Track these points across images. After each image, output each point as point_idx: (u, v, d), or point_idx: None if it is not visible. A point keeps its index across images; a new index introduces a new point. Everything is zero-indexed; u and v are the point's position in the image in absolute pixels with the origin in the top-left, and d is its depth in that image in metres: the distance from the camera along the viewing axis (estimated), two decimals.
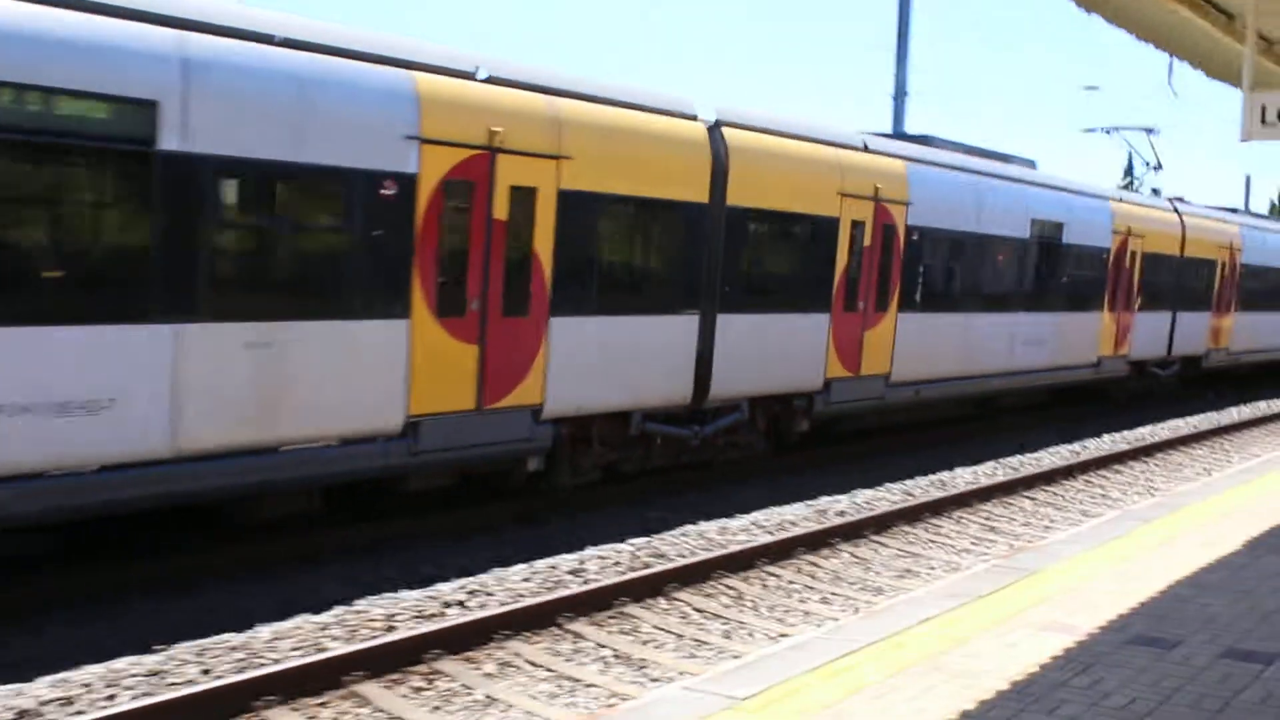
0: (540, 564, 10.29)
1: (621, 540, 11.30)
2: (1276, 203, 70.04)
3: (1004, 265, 18.51)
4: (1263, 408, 25.59)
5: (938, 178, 16.80)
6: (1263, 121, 9.28)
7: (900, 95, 25.70)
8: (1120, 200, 22.72)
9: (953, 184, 17.17)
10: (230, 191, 8.86)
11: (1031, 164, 20.51)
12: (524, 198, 10.91)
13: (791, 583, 10.44)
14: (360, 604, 8.98)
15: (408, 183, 9.83)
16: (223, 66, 8.72)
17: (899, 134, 17.52)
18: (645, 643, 8.70)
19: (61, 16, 7.95)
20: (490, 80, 10.71)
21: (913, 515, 12.99)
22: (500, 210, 10.68)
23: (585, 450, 12.52)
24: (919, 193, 16.29)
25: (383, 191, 9.71)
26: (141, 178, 8.31)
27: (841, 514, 12.98)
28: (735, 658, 8.13)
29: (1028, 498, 14.80)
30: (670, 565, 10.21)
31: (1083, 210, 20.81)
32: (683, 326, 12.92)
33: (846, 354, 15.36)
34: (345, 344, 9.60)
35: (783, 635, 8.91)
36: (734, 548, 10.92)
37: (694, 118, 13.04)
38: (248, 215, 9.04)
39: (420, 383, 10.21)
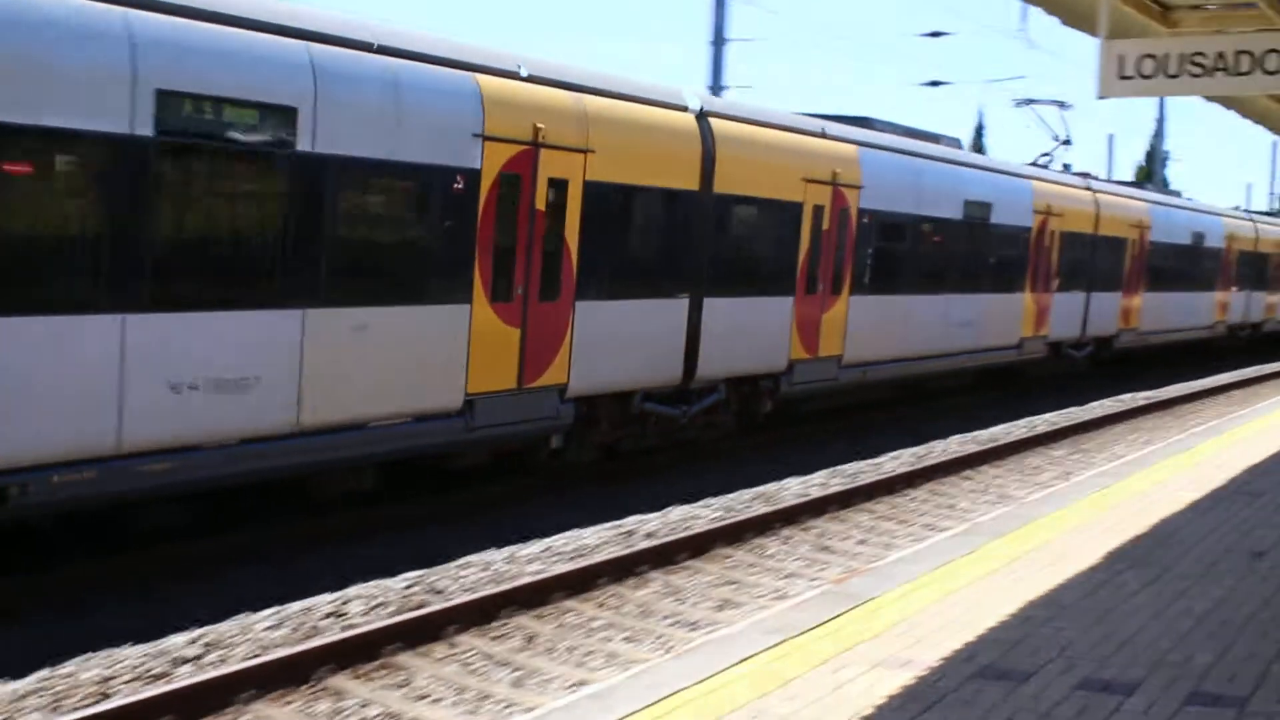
0: (293, 608, 10.00)
1: (392, 575, 11.10)
2: (1144, 165, 73.91)
3: (941, 247, 21.67)
4: (1126, 400, 26.86)
5: (886, 161, 19.75)
6: (1121, 74, 9.60)
7: (719, 42, 26.16)
8: (1040, 179, 25.81)
9: (898, 167, 20.16)
10: (344, 188, 11.26)
11: (957, 143, 23.57)
12: (558, 189, 13.54)
13: (594, 619, 10.40)
14: (68, 666, 8.56)
15: (474, 177, 12.41)
16: (341, 74, 11.11)
17: (843, 117, 20.17)
18: (419, 698, 8.54)
19: (226, 32, 10.23)
20: (530, 79, 13.35)
21: (734, 535, 13.14)
22: (540, 201, 13.29)
23: (595, 429, 15.20)
24: (870, 176, 19.20)
25: (455, 185, 12.23)
26: (282, 176, 10.68)
27: (651, 535, 13.04)
28: (526, 711, 8.03)
29: (866, 510, 15.15)
30: (449, 604, 10.05)
31: (1008, 190, 23.90)
32: (677, 309, 15.74)
33: (807, 336, 18.27)
34: (424, 327, 12.15)
35: (582, 683, 8.86)
36: (525, 580, 10.83)
37: (685, 108, 15.79)
38: (355, 209, 11.47)
39: (477, 364, 12.80)
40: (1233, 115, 19.49)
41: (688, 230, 15.76)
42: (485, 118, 12.54)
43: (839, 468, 17.45)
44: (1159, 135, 54.29)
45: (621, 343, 14.84)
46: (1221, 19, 11.78)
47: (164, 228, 9.95)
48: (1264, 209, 69.47)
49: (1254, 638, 7.65)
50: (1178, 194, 37.19)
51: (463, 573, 11.34)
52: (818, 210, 18.16)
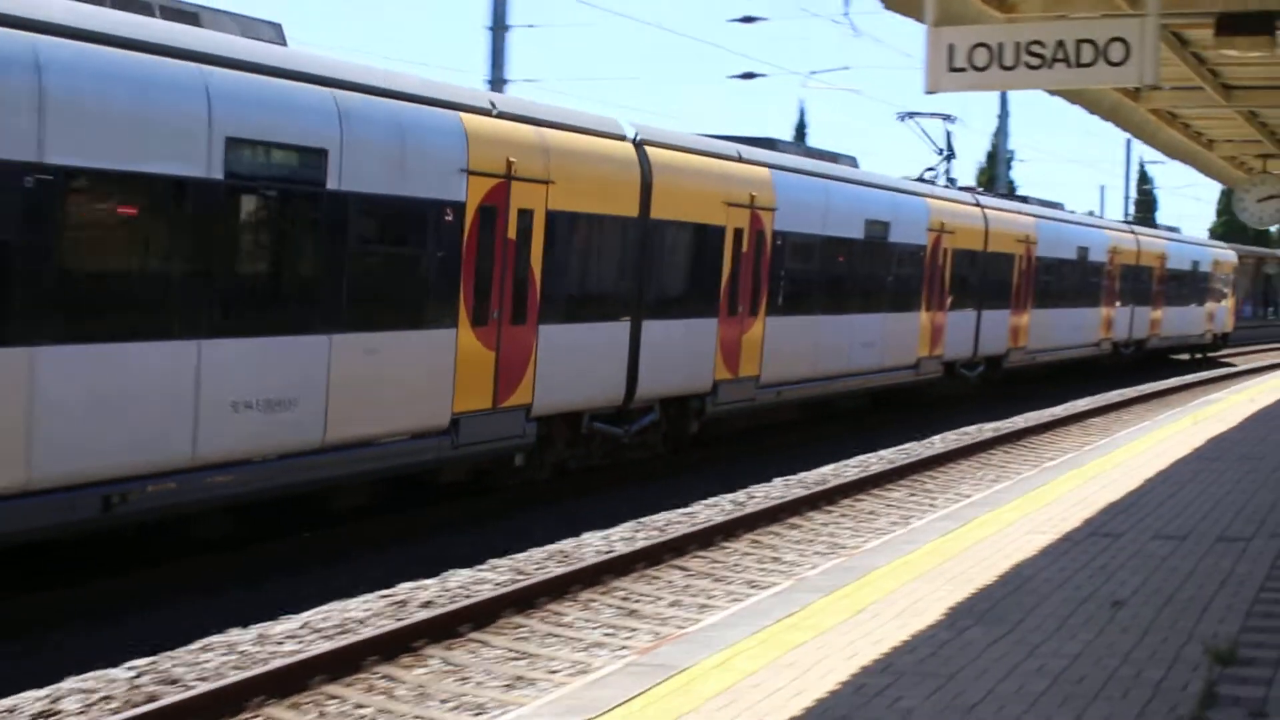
0: None
1: (115, 665, 10.79)
2: (985, 166, 76.23)
3: (845, 267, 25.11)
4: (971, 432, 27.63)
5: (796, 183, 23.02)
6: (951, 66, 9.88)
7: (500, 28, 26.35)
8: (933, 196, 29.65)
9: (807, 188, 23.47)
10: (361, 221, 14.11)
11: (854, 160, 27.13)
12: (525, 218, 16.48)
13: (361, 707, 10.27)
14: None
15: (460, 209, 15.29)
16: (360, 118, 13.97)
17: (749, 138, 23.29)
18: None
19: (274, 83, 13.04)
20: (501, 115, 16.30)
21: (525, 601, 13.12)
22: (511, 230, 16.17)
23: (550, 448, 18.20)
24: (783, 199, 22.36)
25: (446, 217, 15.10)
26: (315, 212, 13.58)
27: (429, 605, 12.94)
28: None
29: (678, 568, 15.27)
30: (185, 695, 9.82)
31: (905, 209, 27.55)
32: (621, 332, 18.86)
33: (730, 357, 21.35)
34: (420, 350, 14.92)
35: None
36: (277, 663, 10.64)
37: (623, 138, 18.99)
38: (369, 241, 14.31)
39: (461, 384, 15.59)
40: (1080, 110, 20.27)
41: (628, 255, 18.99)
42: (469, 153, 15.53)
43: (646, 519, 17.58)
44: (1001, 133, 56.18)
45: (576, 364, 17.85)
46: (1062, 3, 12.26)
47: (228, 260, 12.76)
48: (1123, 215, 72.35)
49: (1115, 699, 7.92)
50: (1060, 205, 40.57)
51: (203, 656, 11.09)
52: (738, 233, 21.33)
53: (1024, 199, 39.05)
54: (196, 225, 12.38)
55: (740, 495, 19.66)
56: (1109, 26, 9.69)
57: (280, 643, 11.58)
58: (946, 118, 35.60)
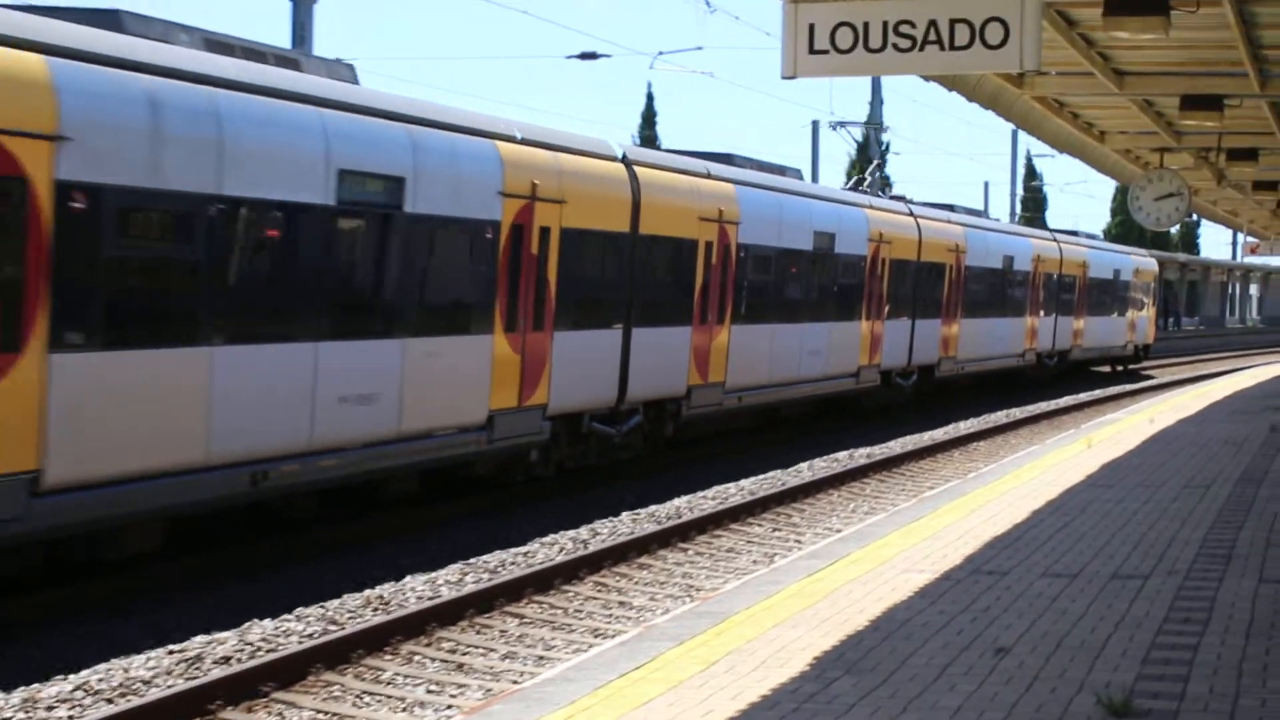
0: None
1: None
2: (855, 158, 77.15)
3: (797, 277, 29.82)
4: (842, 458, 27.93)
5: (756, 197, 27.78)
6: (812, 48, 9.93)
7: None
8: (872, 206, 34.42)
9: (765, 202, 28.14)
10: (428, 239, 18.32)
11: (799, 173, 32.54)
12: (544, 235, 20.69)
13: None
14: None
15: (496, 227, 19.45)
16: (427, 148, 18.08)
17: (708, 154, 28.00)
18: None
19: (368, 120, 17.08)
20: (524, 141, 20.51)
21: (339, 655, 13.00)
22: (534, 246, 20.39)
23: (556, 447, 22.28)
24: (746, 212, 26.98)
25: (487, 235, 19.26)
26: (396, 232, 17.48)
27: (226, 661, 12.77)
28: None
29: (513, 614, 15.24)
30: None
31: (848, 219, 32.26)
32: (615, 338, 23.18)
33: (701, 363, 25.67)
34: (467, 353, 19.04)
35: None
36: None
37: (615, 158, 23.38)
38: (431, 256, 18.46)
39: (496, 384, 19.68)
40: (960, 97, 20.62)
41: (621, 268, 23.35)
42: (504, 178, 19.77)
43: (475, 560, 17.53)
44: (874, 122, 56.94)
45: (581, 368, 22.07)
46: None
47: (337, 273, 16.93)
48: (1009, 215, 73.70)
49: None
50: (983, 213, 46.58)
51: None
52: (709, 246, 25.71)
53: (950, 207, 42.88)
54: (316, 244, 16.65)
55: (583, 531, 19.68)
56: (986, 5, 9.78)
57: (51, 708, 11.36)
58: (880, 127, 42.88)
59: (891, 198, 38.12)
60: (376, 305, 17.77)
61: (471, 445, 19.58)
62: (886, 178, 70.10)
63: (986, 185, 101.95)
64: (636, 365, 23.63)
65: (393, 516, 19.60)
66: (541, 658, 13.60)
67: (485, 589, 15.48)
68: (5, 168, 12.81)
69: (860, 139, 74.65)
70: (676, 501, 22.49)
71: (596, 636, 14.46)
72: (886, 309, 34.55)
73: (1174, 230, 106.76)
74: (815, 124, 63.05)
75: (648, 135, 67.57)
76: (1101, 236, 63.60)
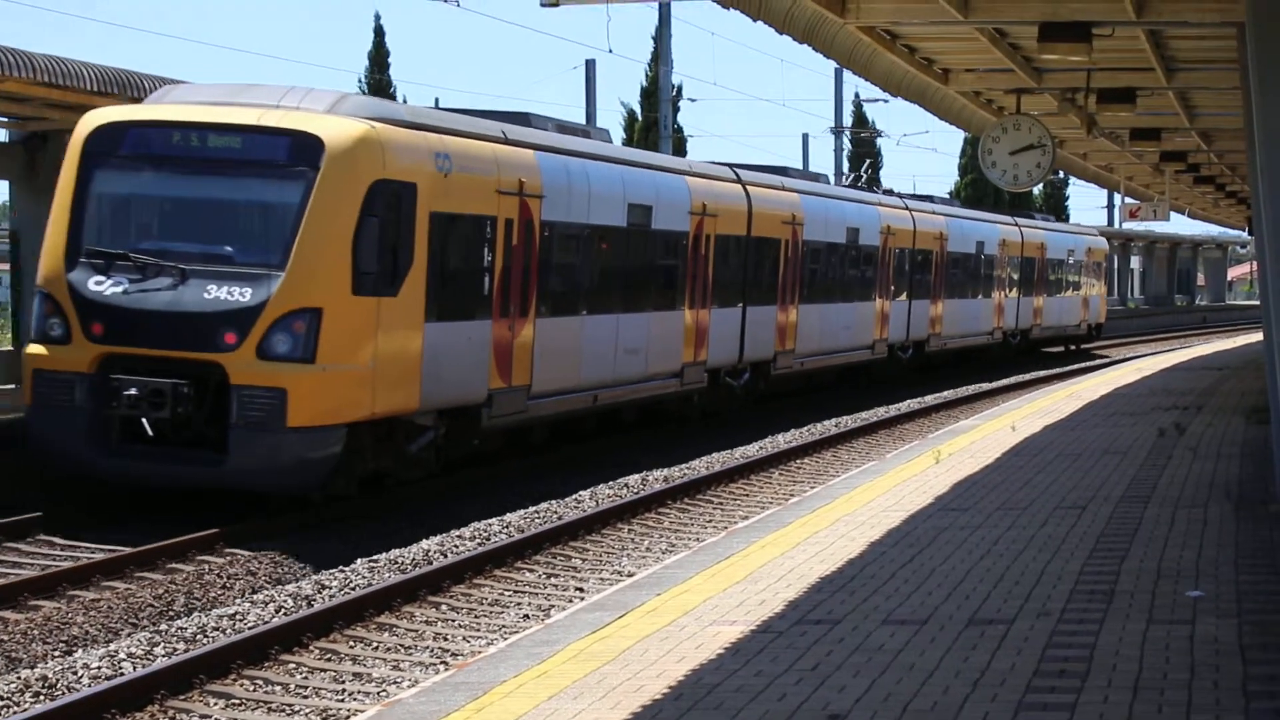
0: None
1: None
2: (632, 110, 77.46)
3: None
4: (634, 483, 28.01)
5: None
6: None
7: None
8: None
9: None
10: (660, 245, 34.86)
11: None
12: (706, 239, 36.31)
13: None
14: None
15: (685, 236, 35.22)
16: (660, 186, 34.80)
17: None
18: None
19: (635, 171, 33.93)
20: (691, 173, 36.59)
21: None
22: (702, 248, 36.08)
23: (697, 397, 38.06)
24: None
25: (683, 242, 35.25)
26: (647, 242, 33.98)
27: None
28: None
29: (219, 694, 15.04)
30: None
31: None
32: (734, 314, 39.09)
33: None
34: (670, 323, 35.11)
35: None
36: None
37: (730, 177, 40.30)
38: (662, 257, 34.90)
39: (685, 345, 35.90)
40: (771, 32, 20.75)
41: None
42: (690, 201, 34.67)
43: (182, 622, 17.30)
44: (661, 61, 57.26)
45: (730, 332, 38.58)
46: None
47: (626, 269, 32.59)
48: (835, 173, 74.58)
49: None
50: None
51: None
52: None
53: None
54: (619, 251, 31.78)
55: (306, 584, 19.51)
56: None
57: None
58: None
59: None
60: (640, 290, 33.35)
61: (671, 388, 35.59)
62: (680, 129, 70.57)
63: (806, 138, 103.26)
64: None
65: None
66: None
67: (180, 662, 15.27)
68: (525, 214, 28.12)
69: (645, 82, 75.14)
70: (425, 544, 22.37)
71: (326, 718, 14.34)
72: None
73: (1037, 191, 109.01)
74: (590, 63, 63.17)
75: (378, 80, 66.99)
76: (953, 199, 66.03)
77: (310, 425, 23.11)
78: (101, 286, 23.54)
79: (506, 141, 28.11)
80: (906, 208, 52.79)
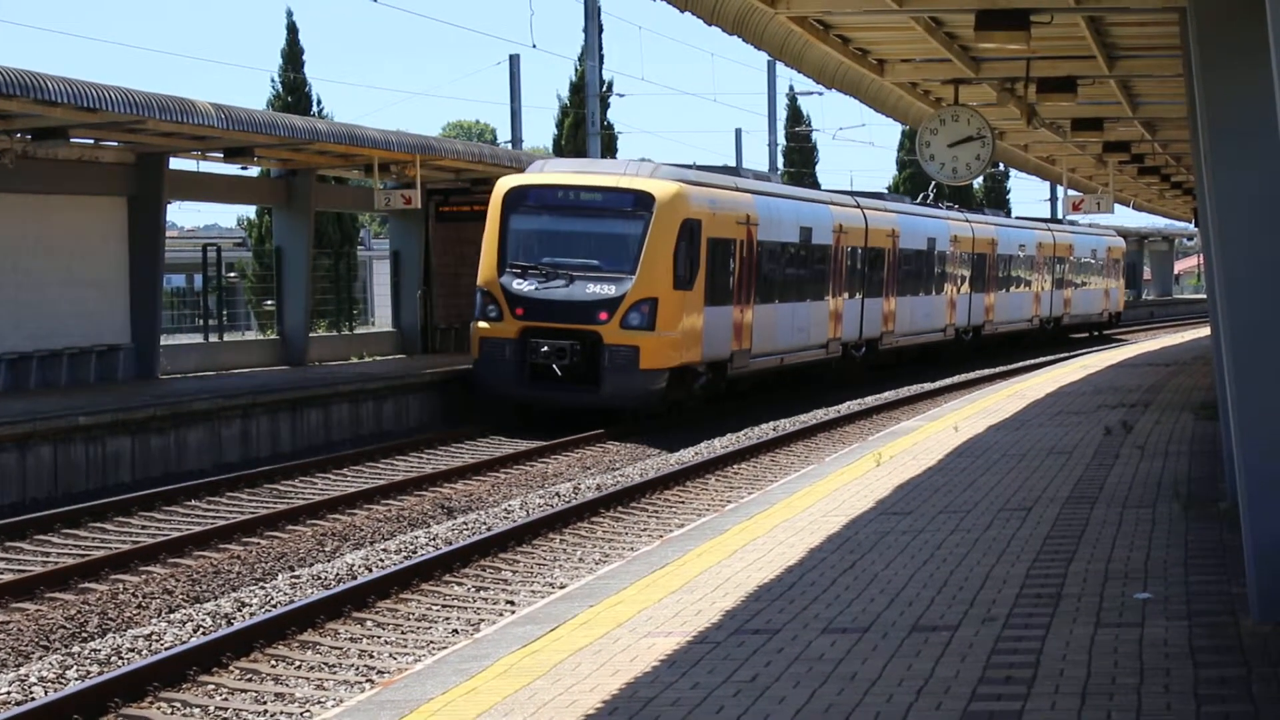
0: None
1: None
2: (565, 106, 77.39)
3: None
4: (565, 492, 27.98)
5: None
6: None
7: None
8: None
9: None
10: (815, 254, 53.51)
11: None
12: (842, 249, 55.05)
13: None
14: None
15: (830, 248, 53.84)
16: (814, 213, 53.87)
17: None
18: None
19: (796, 203, 53.22)
20: (830, 202, 56.19)
21: None
22: (840, 256, 54.95)
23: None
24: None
25: (831, 251, 53.85)
26: (808, 253, 52.86)
27: None
28: None
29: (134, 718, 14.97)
30: None
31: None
32: (856, 305, 58.21)
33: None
34: (821, 309, 53.51)
35: None
36: None
37: (863, 205, 61.14)
38: (813, 263, 53.29)
39: (830, 325, 54.75)
40: (700, 24, 20.75)
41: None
42: (833, 222, 53.52)
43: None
44: (590, 55, 57.23)
45: (853, 321, 56.35)
46: None
47: (793, 272, 51.13)
48: (769, 166, 74.77)
49: None
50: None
51: None
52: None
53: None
54: (793, 260, 50.62)
55: (226, 602, 19.43)
56: None
57: None
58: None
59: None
60: (805, 286, 50.22)
61: (824, 355, 52.48)
62: (610, 126, 70.62)
63: (739, 133, 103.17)
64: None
65: None
66: None
67: (94, 686, 15.19)
68: (749, 236, 45.35)
69: (573, 78, 75.18)
70: (350, 558, 22.33)
71: None
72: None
73: (977, 184, 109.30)
74: (514, 58, 63.19)
75: (292, 79, 66.56)
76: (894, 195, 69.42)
77: (652, 369, 39.77)
78: (521, 286, 40.14)
79: (737, 189, 45.92)
80: (858, 205, 57.92)
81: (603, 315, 39.60)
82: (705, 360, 43.14)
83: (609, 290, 39.78)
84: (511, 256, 40.55)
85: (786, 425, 40.53)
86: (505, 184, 41.53)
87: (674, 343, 40.42)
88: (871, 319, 57.64)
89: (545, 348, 39.34)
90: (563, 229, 41.27)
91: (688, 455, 34.32)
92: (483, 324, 40.45)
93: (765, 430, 39.49)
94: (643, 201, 40.29)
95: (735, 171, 52.21)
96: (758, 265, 47.01)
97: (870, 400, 47.76)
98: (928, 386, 52.90)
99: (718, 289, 43.43)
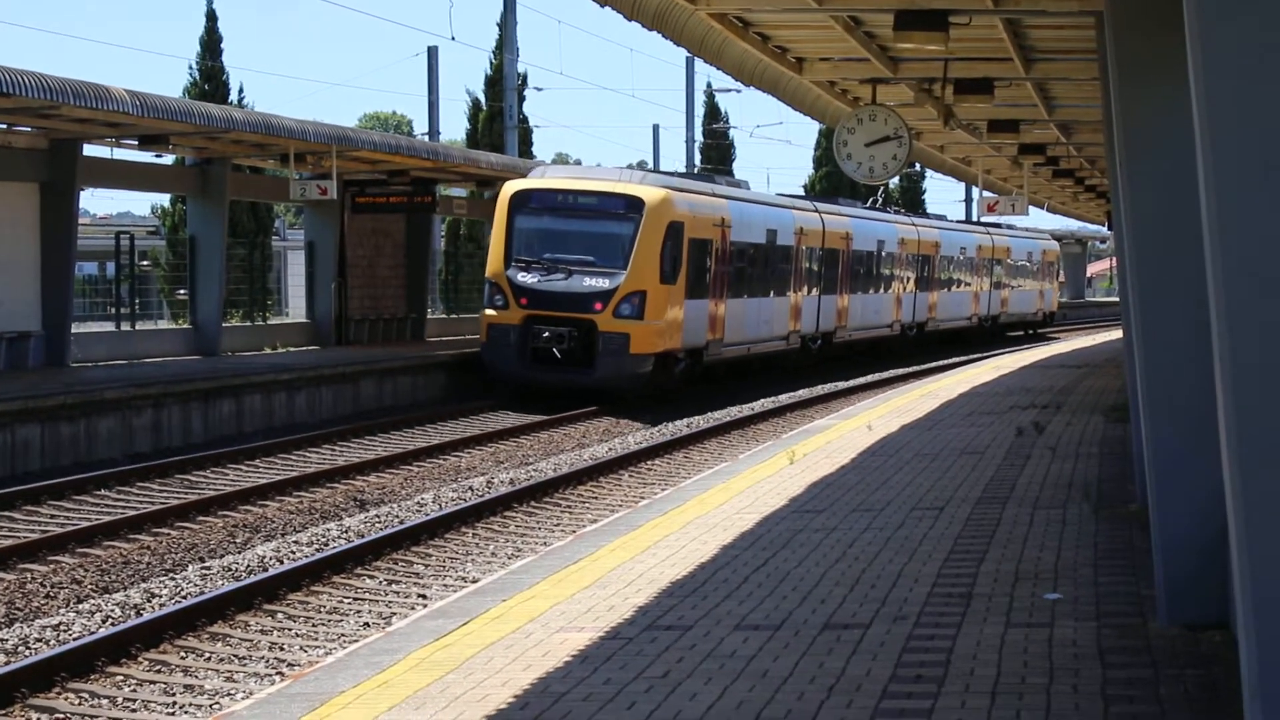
0: None
1: None
2: (476, 99, 77.22)
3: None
4: (479, 486, 27.97)
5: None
6: None
7: None
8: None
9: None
10: (782, 252, 59.12)
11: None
12: (798, 249, 60.16)
13: None
14: None
15: (793, 248, 59.35)
16: (782, 218, 59.44)
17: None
18: None
19: (765, 208, 58.74)
20: (792, 206, 61.52)
21: None
22: (800, 257, 60.43)
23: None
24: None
25: (791, 251, 58.97)
26: (775, 252, 58.03)
27: None
28: None
29: (42, 708, 14.89)
30: None
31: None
32: (814, 302, 64.36)
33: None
34: (782, 304, 58.42)
35: None
36: None
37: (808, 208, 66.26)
38: (783, 261, 58.86)
39: (790, 319, 59.86)
40: (619, 19, 20.79)
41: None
42: (795, 225, 58.73)
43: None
44: (506, 48, 57.14)
45: (811, 315, 61.48)
46: None
47: (764, 269, 55.81)
48: (686, 164, 74.97)
49: None
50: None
51: None
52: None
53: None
54: (760, 258, 54.92)
55: (135, 593, 19.36)
56: None
57: None
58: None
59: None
60: (770, 283, 54.92)
61: (784, 345, 57.43)
62: (526, 119, 70.49)
63: (656, 129, 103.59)
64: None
65: None
66: None
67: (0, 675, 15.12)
68: (724, 237, 50.47)
69: (489, 71, 75.02)
70: (261, 549, 22.28)
71: None
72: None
73: (894, 184, 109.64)
74: (433, 50, 63.09)
75: (210, 67, 66.18)
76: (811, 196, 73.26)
77: (640, 353, 44.76)
78: (525, 278, 45.30)
79: (714, 194, 51.09)
80: (816, 209, 63.53)
81: (598, 305, 44.72)
82: (684, 348, 47.92)
83: (603, 283, 44.86)
84: (517, 252, 45.66)
85: (700, 422, 40.65)
86: (511, 187, 46.91)
87: (659, 331, 45.40)
88: (827, 314, 62.76)
89: (546, 333, 44.48)
90: (563, 228, 46.29)
91: (601, 451, 34.33)
92: (490, 311, 45.95)
93: (679, 427, 39.57)
94: (634, 205, 45.34)
95: (710, 178, 58.12)
96: (730, 263, 51.65)
97: (784, 398, 47.95)
98: (840, 385, 53.20)
99: (696, 284, 47.99)
